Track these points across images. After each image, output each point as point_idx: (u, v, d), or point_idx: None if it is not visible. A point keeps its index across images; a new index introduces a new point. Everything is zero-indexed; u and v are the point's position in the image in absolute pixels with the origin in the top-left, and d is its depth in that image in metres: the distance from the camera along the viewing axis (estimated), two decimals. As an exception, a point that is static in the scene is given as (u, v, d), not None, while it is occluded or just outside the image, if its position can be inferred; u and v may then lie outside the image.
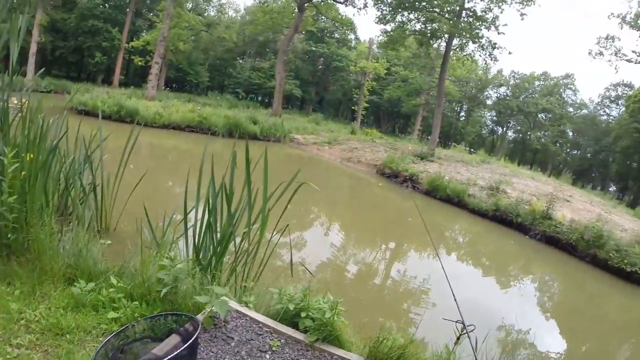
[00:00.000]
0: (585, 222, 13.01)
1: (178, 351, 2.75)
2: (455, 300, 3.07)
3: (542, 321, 8.15)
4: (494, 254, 12.17)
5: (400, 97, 46.52)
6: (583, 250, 12.07)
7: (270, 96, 33.48)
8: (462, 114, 61.75)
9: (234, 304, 3.73)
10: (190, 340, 2.88)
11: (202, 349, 3.15)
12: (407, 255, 9.98)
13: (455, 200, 15.38)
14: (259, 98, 53.57)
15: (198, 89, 50.85)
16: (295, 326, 3.62)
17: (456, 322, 3.01)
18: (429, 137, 24.12)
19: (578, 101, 56.88)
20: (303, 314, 3.45)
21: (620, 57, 28.51)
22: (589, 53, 30.19)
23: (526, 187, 17.37)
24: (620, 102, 52.72)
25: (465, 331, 2.94)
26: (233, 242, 4.47)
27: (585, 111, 56.99)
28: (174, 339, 3.00)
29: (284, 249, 6.96)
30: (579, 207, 15.93)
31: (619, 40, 28.18)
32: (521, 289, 9.70)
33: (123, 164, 5.47)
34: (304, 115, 40.97)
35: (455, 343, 3.28)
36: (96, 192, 5.42)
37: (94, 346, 2.87)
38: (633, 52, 28.42)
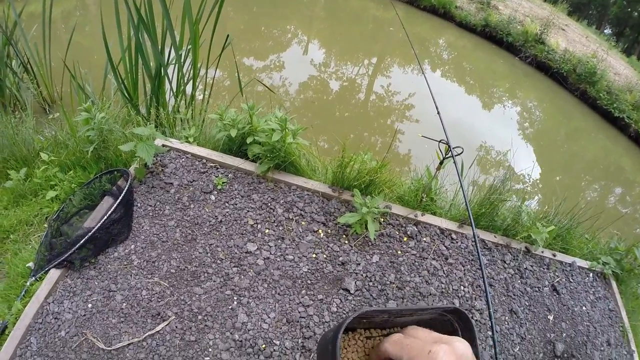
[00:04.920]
0: (579, 54, 12.23)
1: (107, 216, 2.33)
2: (439, 115, 2.37)
3: (522, 147, 8.04)
4: (481, 73, 11.54)
5: None
6: (574, 83, 11.59)
7: None
8: None
9: (173, 142, 3.07)
10: (118, 200, 2.41)
11: (138, 204, 2.65)
12: (389, 71, 9.22)
13: (441, 12, 14.00)
14: None
15: None
16: (246, 156, 2.98)
17: (439, 141, 2.36)
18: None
19: None
20: (249, 139, 2.73)
21: None
22: None
23: (520, 7, 15.89)
24: None
25: (450, 153, 2.31)
26: (165, 72, 3.60)
27: (591, -63, 50.60)
28: (107, 201, 2.57)
29: (250, 73, 6.09)
30: (574, 39, 14.95)
31: None
32: (506, 112, 9.37)
33: (47, 29, 4.55)
34: None
35: (438, 168, 2.68)
36: (28, 69, 4.61)
37: (38, 237, 2.57)
38: None
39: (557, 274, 3.27)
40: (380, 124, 6.34)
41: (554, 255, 3.36)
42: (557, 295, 3.12)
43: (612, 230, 4.07)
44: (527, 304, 2.95)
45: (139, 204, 2.66)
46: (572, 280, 3.30)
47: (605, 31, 45.23)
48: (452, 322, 0.60)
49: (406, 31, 3.48)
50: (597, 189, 8.08)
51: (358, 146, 5.03)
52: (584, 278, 3.38)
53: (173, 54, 3.63)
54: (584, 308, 3.15)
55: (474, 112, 8.80)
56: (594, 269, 3.47)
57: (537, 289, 3.08)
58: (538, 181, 6.86)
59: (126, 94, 3.66)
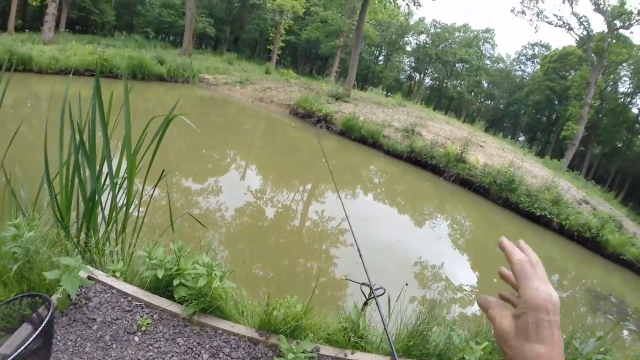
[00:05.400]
0: (498, 166, 13.54)
1: (24, 346, 2.09)
2: (361, 258, 2.50)
3: (456, 259, 8.40)
4: (410, 195, 12.29)
5: (318, 38, 44.46)
6: (495, 193, 12.60)
7: (182, 36, 30.87)
8: (381, 58, 60.97)
9: (99, 275, 2.98)
10: (38, 330, 2.19)
11: (58, 336, 2.47)
12: (324, 197, 9.55)
13: (370, 141, 15.25)
14: (171, 38, 48.51)
15: (104, 30, 44.92)
16: (172, 296, 2.91)
17: (362, 284, 2.47)
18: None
19: (495, 55, 58.80)
20: (176, 282, 2.71)
21: (541, 18, 30.45)
22: (512, 10, 33.13)
23: (441, 131, 17.65)
24: (536, 60, 55.60)
25: (372, 295, 2.42)
26: (99, 199, 3.57)
27: (501, 65, 59.14)
28: (25, 329, 2.36)
29: (184, 200, 6.12)
30: (492, 153, 16.57)
31: (543, 2, 29.75)
32: (436, 229, 9.85)
33: None
34: (217, 55, 38.00)
35: (363, 308, 2.76)
36: None
37: None
38: (555, 15, 30.46)
39: (498, 386, 3.25)
40: (314, 249, 6.48)
41: (493, 369, 3.37)
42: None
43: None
44: None
45: (59, 337, 2.48)
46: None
47: (519, 139, 51.06)
48: None
49: (327, 163, 3.78)
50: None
51: (291, 274, 5.06)
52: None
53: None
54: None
55: (408, 230, 9.23)
56: (536, 369, 3.48)
57: (480, 408, 3.04)
58: (476, 289, 7.08)
59: (58, 214, 3.53)
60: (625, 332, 6.71)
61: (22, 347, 2.12)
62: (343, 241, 6.77)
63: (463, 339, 3.38)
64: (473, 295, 6.85)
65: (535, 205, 11.96)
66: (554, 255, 10.49)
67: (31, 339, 2.16)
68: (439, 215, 11.03)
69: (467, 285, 7.00)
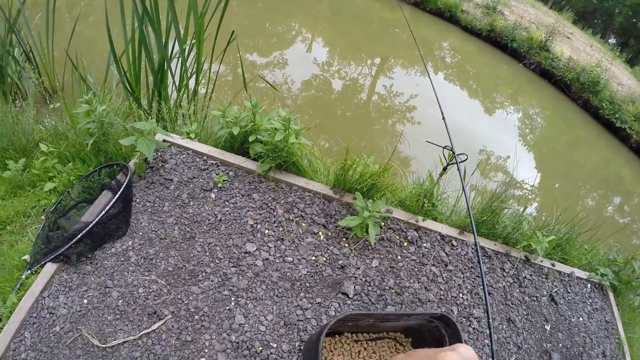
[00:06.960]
0: (583, 63, 12.19)
1: (105, 211, 2.29)
2: (444, 120, 2.34)
3: (523, 153, 7.99)
4: (485, 77, 11.51)
5: None
6: (577, 91, 11.54)
7: None
8: None
9: (174, 138, 3.03)
10: (117, 195, 2.37)
11: (137, 199, 2.61)
12: (392, 72, 9.19)
13: (447, 15, 13.98)
14: None
15: None
16: (247, 154, 2.95)
17: (444, 147, 2.34)
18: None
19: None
20: (252, 138, 2.70)
21: None
22: None
23: (525, 13, 15.89)
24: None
25: (454, 160, 2.29)
26: (168, 66, 3.54)
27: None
28: (105, 196, 2.52)
29: (253, 69, 6.05)
30: (578, 47, 14.92)
31: None
32: (508, 118, 9.34)
33: (51, 17, 4.42)
34: None
35: (442, 174, 2.66)
36: (31, 58, 4.52)
37: (35, 229, 2.51)
38: None
39: (555, 283, 3.26)
40: (381, 124, 6.36)
41: (553, 265, 3.35)
42: (554, 305, 3.11)
43: (611, 242, 4.04)
44: (525, 313, 2.94)
45: (137, 200, 2.62)
46: (570, 291, 3.29)
47: (609, 41, 45.26)
48: (439, 328, 0.57)
49: (412, 33, 3.46)
50: (597, 198, 8.06)
51: (358, 147, 5.02)
52: (581, 289, 3.37)
53: (177, 47, 3.58)
54: (580, 319, 3.13)
55: (476, 116, 8.78)
56: (592, 280, 3.45)
57: (535, 298, 3.07)
58: (537, 188, 6.84)
59: (128, 87, 3.60)
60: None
61: (103, 212, 2.27)
62: (410, 118, 6.58)
63: (533, 227, 3.31)
64: (537, 192, 6.62)
65: (617, 116, 10.82)
66: (624, 174, 9.67)
67: (111, 203, 2.31)
68: (512, 105, 10.33)
69: (529, 185, 6.73)
